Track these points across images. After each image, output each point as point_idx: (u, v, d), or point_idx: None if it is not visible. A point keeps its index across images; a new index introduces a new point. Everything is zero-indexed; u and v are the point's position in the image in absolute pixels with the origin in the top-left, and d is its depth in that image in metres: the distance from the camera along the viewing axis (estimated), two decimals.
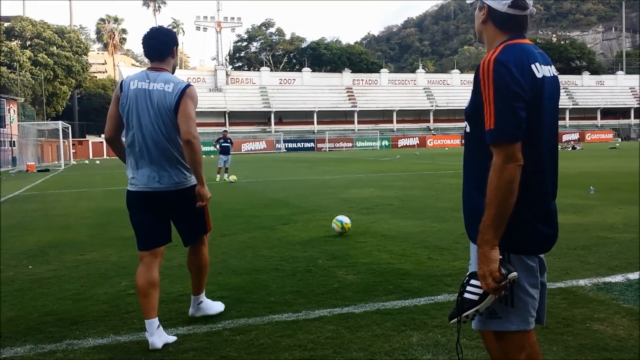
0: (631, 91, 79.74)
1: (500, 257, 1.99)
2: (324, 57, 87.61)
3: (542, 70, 2.04)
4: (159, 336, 3.61)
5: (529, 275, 2.07)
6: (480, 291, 2.03)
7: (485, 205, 1.96)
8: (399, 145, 61.42)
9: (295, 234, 7.30)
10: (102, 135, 60.92)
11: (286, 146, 59.90)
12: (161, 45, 3.68)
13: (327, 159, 35.47)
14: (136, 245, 3.77)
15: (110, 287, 4.99)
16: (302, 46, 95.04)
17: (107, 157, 55.10)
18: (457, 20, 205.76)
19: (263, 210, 9.82)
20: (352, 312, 4.06)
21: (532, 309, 2.10)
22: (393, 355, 3.27)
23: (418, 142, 62.55)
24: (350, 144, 61.24)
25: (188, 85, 3.67)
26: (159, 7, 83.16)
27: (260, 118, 67.55)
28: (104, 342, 3.64)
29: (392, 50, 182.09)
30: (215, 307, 4.06)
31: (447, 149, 53.21)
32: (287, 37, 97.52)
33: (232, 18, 77.97)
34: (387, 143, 61.98)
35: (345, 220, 7.14)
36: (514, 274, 2.00)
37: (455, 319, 2.11)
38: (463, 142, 2.30)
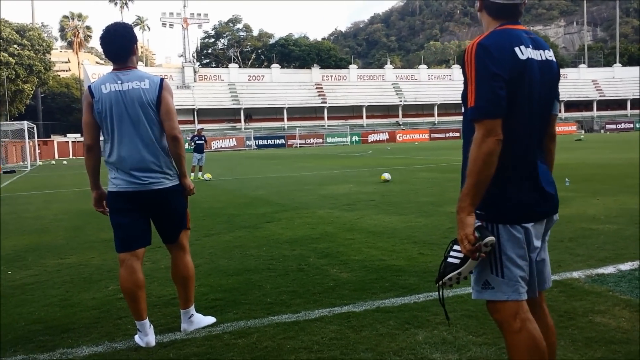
0: (593, 84, 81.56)
1: (479, 223, 2.17)
2: (293, 54, 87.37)
3: (529, 53, 2.18)
4: (152, 334, 3.56)
5: (514, 246, 2.22)
6: (461, 255, 2.22)
7: (466, 176, 2.14)
8: (369, 141, 61.64)
9: (281, 232, 7.20)
10: (68, 135, 59.72)
11: (257, 143, 59.52)
12: (121, 48, 3.55)
13: (299, 155, 35.34)
14: (114, 246, 3.64)
15: (97, 291, 4.83)
16: (270, 42, 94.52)
17: (74, 157, 53.93)
18: (423, 15, 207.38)
19: (244, 209, 9.68)
20: (352, 311, 4.00)
21: (522, 279, 2.24)
22: (402, 354, 3.22)
23: (388, 137, 62.89)
24: (320, 140, 61.21)
25: (162, 79, 3.61)
26: (126, 3, 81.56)
27: (229, 115, 66.94)
28: (100, 350, 3.51)
29: (360, 46, 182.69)
30: (206, 320, 3.91)
31: (417, 143, 53.62)
32: (255, 33, 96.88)
33: (199, 14, 76.96)
34: (357, 138, 62.12)
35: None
36: (490, 238, 2.15)
37: (441, 282, 2.30)
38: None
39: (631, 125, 69.48)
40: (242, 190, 13.17)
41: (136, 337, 3.60)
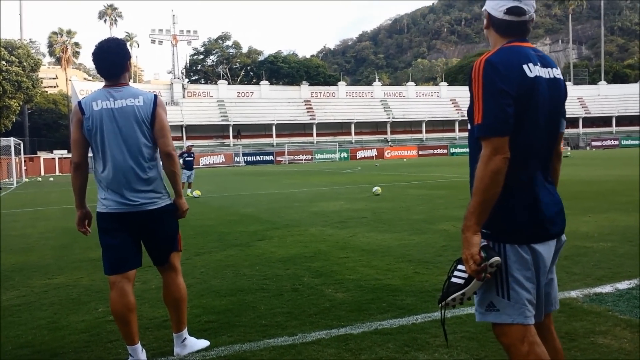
0: (579, 101, 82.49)
1: (484, 243, 2.14)
2: (282, 70, 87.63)
3: (537, 71, 2.15)
4: (145, 358, 3.47)
5: (522, 267, 2.16)
6: (465, 275, 2.17)
7: (472, 194, 2.11)
8: (358, 157, 61.73)
9: (274, 251, 7.10)
10: (54, 152, 59.20)
11: (245, 159, 59.37)
12: (114, 65, 3.46)
13: (288, 171, 35.27)
14: (103, 269, 3.53)
15: (86, 313, 4.70)
16: (260, 59, 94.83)
17: (60, 174, 53.41)
18: (410, 33, 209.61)
19: (235, 227, 9.57)
20: (350, 333, 3.91)
21: (529, 303, 2.18)
22: None
23: (376, 154, 63.03)
24: (309, 156, 61.20)
25: (156, 96, 3.54)
26: (115, 20, 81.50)
27: (218, 131, 66.79)
28: None
29: (348, 63, 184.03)
30: (200, 343, 3.79)
31: (405, 160, 53.78)
32: (244, 50, 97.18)
33: (188, 31, 77.11)
34: (345, 155, 62.19)
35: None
36: (496, 258, 2.11)
37: (444, 302, 2.24)
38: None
39: (616, 143, 70.26)
40: (231, 208, 13.06)
41: None
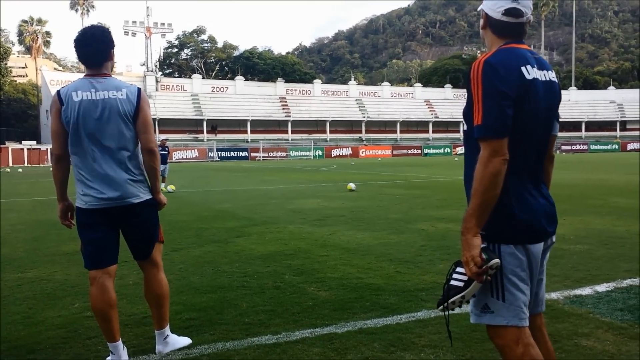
0: None
1: (484, 245, 2.12)
2: (257, 67, 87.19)
3: (535, 73, 2.15)
4: (126, 357, 3.39)
5: (517, 268, 2.16)
6: (465, 278, 2.15)
7: (471, 195, 2.08)
8: (332, 155, 61.81)
9: (253, 248, 7.03)
10: (23, 142, 57.87)
11: (219, 155, 58.94)
12: (97, 52, 3.34)
13: (263, 168, 35.09)
14: (84, 264, 3.42)
15: (62, 309, 4.57)
16: (235, 54, 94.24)
17: (29, 165, 52.27)
18: (386, 34, 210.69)
19: (211, 222, 9.46)
20: (334, 332, 3.88)
21: (524, 305, 2.18)
22: None
23: (351, 152, 63.21)
24: (284, 154, 61.04)
25: (140, 89, 3.44)
26: (88, 10, 79.89)
27: (191, 126, 66.17)
28: None
29: (324, 62, 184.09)
30: (182, 341, 3.71)
31: (379, 159, 54.03)
32: (219, 44, 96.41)
33: (163, 24, 76.13)
34: (320, 153, 62.22)
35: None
36: (496, 260, 2.10)
37: (444, 306, 2.22)
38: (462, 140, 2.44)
39: (585, 147, 71.76)
40: (207, 203, 12.91)
41: (110, 359, 3.39)
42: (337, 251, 6.71)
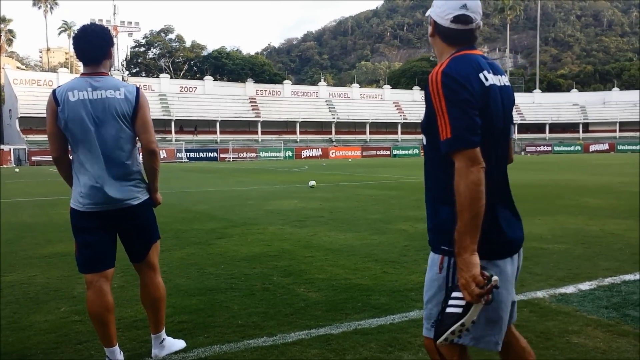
0: (515, 108, 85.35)
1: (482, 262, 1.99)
2: (226, 67, 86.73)
3: (491, 79, 2.10)
4: None
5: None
6: (462, 303, 1.97)
7: (457, 213, 1.95)
8: (303, 156, 61.83)
9: (236, 249, 6.98)
10: None
11: (188, 155, 58.35)
12: (96, 48, 3.28)
13: (234, 169, 34.87)
14: (78, 268, 3.36)
15: (48, 313, 4.46)
16: (203, 54, 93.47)
17: None
18: (355, 36, 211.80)
19: (190, 224, 9.36)
20: (330, 333, 3.89)
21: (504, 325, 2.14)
22: None
23: (321, 153, 63.33)
24: (254, 154, 60.79)
25: (139, 89, 3.38)
26: (51, 8, 78.14)
27: (159, 126, 65.25)
28: None
29: (293, 63, 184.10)
30: (178, 344, 3.67)
31: (350, 160, 54.25)
32: (188, 44, 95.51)
33: (130, 22, 74.99)
34: (290, 154, 62.16)
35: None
36: (496, 277, 1.96)
37: (443, 338, 2.01)
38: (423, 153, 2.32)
39: (549, 149, 73.40)
40: (182, 205, 12.76)
41: None
42: (322, 252, 6.72)
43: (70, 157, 3.32)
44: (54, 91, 3.27)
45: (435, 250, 2.18)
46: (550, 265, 5.81)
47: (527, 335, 3.74)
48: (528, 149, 72.78)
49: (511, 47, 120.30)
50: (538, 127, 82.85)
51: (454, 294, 2.01)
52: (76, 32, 3.29)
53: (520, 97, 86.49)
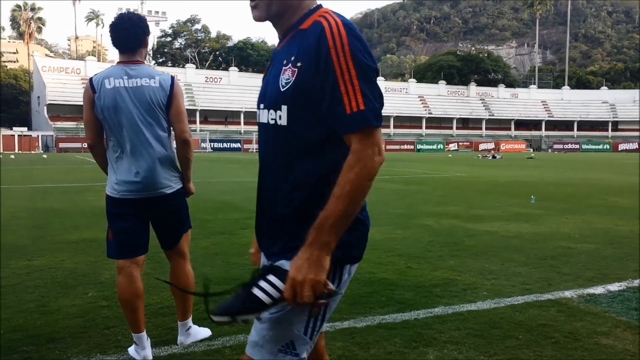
0: (542, 104, 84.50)
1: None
2: (251, 58, 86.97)
3: None
4: (149, 348, 3.35)
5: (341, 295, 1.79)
6: (276, 294, 1.57)
7: (332, 199, 1.56)
8: None
9: None
10: (14, 128, 57.38)
11: (212, 146, 58.78)
12: (133, 36, 3.31)
13: (257, 160, 34.96)
14: (108, 252, 3.40)
15: (76, 297, 4.53)
16: (229, 45, 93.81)
17: (20, 152, 51.84)
18: (381, 29, 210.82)
19: (215, 214, 9.43)
20: (354, 326, 3.88)
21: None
22: None
23: None
24: None
25: (173, 78, 3.41)
26: None
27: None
28: None
29: None
30: (203, 332, 3.70)
31: None
32: (213, 34, 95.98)
33: (157, 12, 75.89)
34: None
35: None
36: (340, 293, 1.72)
37: (227, 318, 1.60)
38: (265, 135, 1.83)
39: (577, 146, 72.22)
40: (207, 194, 12.86)
41: (131, 350, 3.37)
42: None
43: (106, 145, 3.35)
44: (90, 79, 3.33)
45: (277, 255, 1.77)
46: (578, 265, 5.71)
47: (555, 335, 3.70)
48: (555, 146, 71.76)
49: (540, 42, 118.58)
50: (566, 125, 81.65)
51: (271, 278, 1.59)
52: (113, 20, 3.32)
53: (548, 94, 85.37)
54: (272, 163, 1.80)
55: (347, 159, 1.57)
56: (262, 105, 1.83)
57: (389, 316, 4.10)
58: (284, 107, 1.67)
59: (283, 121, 1.69)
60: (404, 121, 75.60)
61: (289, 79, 1.65)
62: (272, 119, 1.73)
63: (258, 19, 1.78)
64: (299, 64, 1.63)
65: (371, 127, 1.57)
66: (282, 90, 1.67)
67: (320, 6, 1.75)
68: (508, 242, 6.99)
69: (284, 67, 1.67)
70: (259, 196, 1.91)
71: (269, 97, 1.76)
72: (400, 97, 78.99)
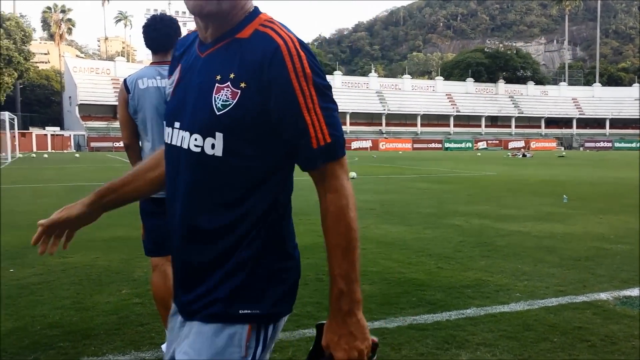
0: (573, 102, 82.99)
1: None
2: None
3: None
4: None
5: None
6: None
7: (337, 252, 1.38)
8: (352, 148, 61.65)
9: None
10: (47, 128, 58.65)
11: None
12: (165, 37, 3.35)
13: None
14: (145, 251, 3.46)
15: (110, 295, 4.61)
16: None
17: (53, 151, 52.94)
18: (406, 26, 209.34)
19: None
20: (385, 327, 3.87)
21: None
22: None
23: (371, 145, 63.03)
24: None
25: None
26: None
27: None
28: (127, 359, 3.32)
29: (344, 53, 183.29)
30: None
31: (400, 152, 53.80)
32: None
33: (184, 12, 76.38)
34: None
35: None
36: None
37: None
38: (185, 163, 1.43)
39: (609, 145, 70.67)
40: None
41: (165, 347, 3.41)
42: (374, 244, 6.68)
43: (140, 144, 3.40)
44: (125, 80, 3.40)
45: (225, 318, 1.38)
46: (613, 267, 5.60)
47: (591, 338, 3.64)
48: (587, 144, 70.34)
49: (570, 38, 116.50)
50: (598, 122, 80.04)
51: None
52: (146, 21, 3.37)
53: (579, 91, 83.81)
54: (193, 198, 1.42)
55: (330, 199, 1.39)
56: (177, 124, 1.44)
57: (420, 317, 4.08)
58: (219, 135, 1.35)
59: (217, 151, 1.35)
60: (431, 119, 75.04)
61: (227, 101, 1.34)
62: (197, 146, 1.38)
63: (199, 11, 1.39)
64: (242, 85, 1.33)
65: (342, 158, 1.41)
66: (218, 114, 1.34)
67: (258, 11, 1.46)
68: (540, 242, 6.89)
69: (217, 84, 1.36)
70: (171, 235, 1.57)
71: (194, 119, 1.39)
72: (428, 95, 78.40)
